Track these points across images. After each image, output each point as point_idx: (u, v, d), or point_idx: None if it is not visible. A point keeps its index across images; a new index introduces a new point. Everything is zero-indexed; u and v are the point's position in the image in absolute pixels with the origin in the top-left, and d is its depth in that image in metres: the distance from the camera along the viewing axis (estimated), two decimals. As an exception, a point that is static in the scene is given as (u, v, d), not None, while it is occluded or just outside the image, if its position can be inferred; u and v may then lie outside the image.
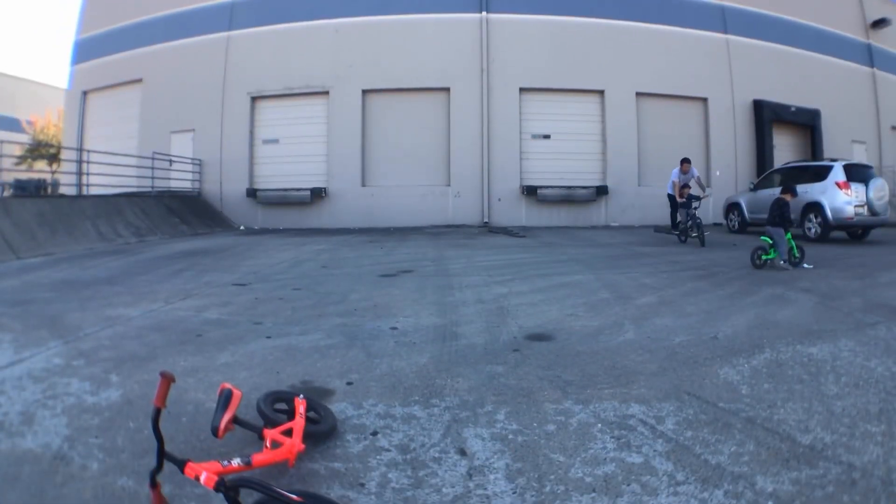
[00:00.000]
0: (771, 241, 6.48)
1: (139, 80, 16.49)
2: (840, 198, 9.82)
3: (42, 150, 26.62)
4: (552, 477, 1.87)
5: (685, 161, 10.74)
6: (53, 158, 25.65)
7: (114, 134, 16.50)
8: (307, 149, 15.16)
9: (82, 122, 17.68)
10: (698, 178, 10.64)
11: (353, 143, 14.96)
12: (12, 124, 28.41)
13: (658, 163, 15.36)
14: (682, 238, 9.96)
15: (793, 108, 16.23)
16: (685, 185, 10.28)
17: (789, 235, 6.56)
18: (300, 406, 2.12)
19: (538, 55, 14.95)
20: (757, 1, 16.27)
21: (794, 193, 7.01)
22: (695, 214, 9.69)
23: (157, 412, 1.61)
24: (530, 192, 14.82)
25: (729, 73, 15.86)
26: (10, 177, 18.68)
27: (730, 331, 3.71)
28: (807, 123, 16.70)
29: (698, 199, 9.91)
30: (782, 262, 6.40)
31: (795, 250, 6.65)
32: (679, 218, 10.35)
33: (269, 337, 3.65)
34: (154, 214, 12.29)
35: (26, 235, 8.52)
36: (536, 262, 7.36)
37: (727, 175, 15.75)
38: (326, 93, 15.17)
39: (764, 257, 6.43)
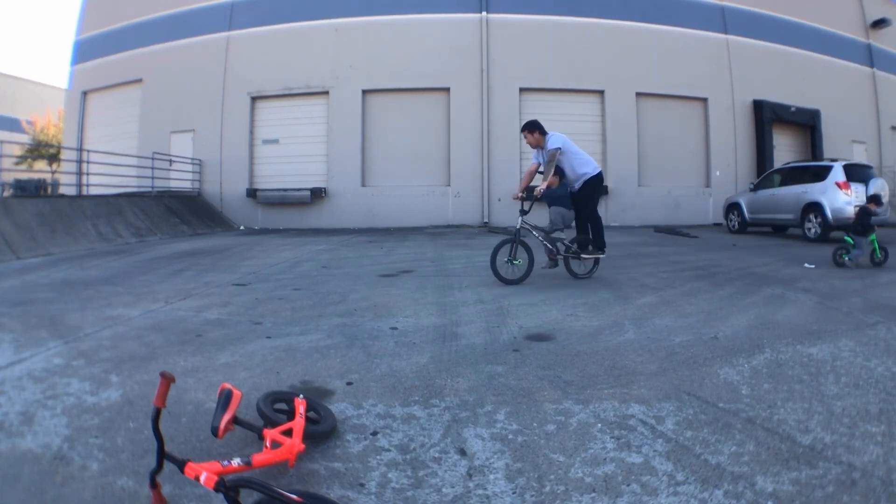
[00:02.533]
0: (852, 242, 6.81)
1: (139, 80, 16.49)
2: (840, 198, 9.83)
3: (42, 150, 26.63)
4: (552, 477, 1.87)
5: (530, 127, 5.95)
6: (53, 158, 25.65)
7: (114, 134, 16.50)
8: (307, 149, 15.17)
9: (82, 122, 17.68)
10: (552, 151, 5.74)
11: (353, 143, 14.97)
12: (12, 124, 28.43)
13: (658, 163, 15.38)
14: (502, 276, 5.56)
15: (793, 108, 16.24)
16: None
17: (873, 237, 6.87)
18: (300, 406, 2.12)
19: (538, 55, 14.95)
20: (757, 1, 16.27)
21: (878, 203, 7.60)
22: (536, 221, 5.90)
23: (157, 412, 1.61)
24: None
25: (729, 73, 15.86)
26: (10, 177, 18.67)
27: (730, 331, 3.71)
28: (807, 123, 16.71)
29: (531, 199, 5.80)
30: (848, 259, 6.74)
31: (878, 252, 6.89)
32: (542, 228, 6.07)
33: (269, 337, 3.65)
34: (154, 214, 12.29)
35: (26, 235, 8.51)
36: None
37: (727, 175, 15.76)
38: (326, 93, 15.17)
39: (844, 256, 6.77)
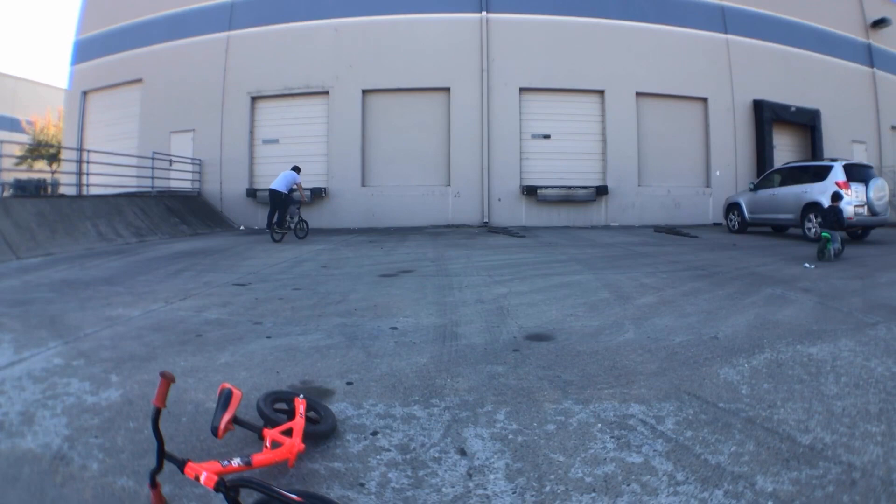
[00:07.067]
0: (829, 237, 7.40)
1: (139, 80, 16.49)
2: (840, 197, 9.82)
3: (42, 150, 26.62)
4: (552, 477, 1.87)
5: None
6: (53, 158, 25.66)
7: (114, 134, 16.50)
8: (307, 149, 15.16)
9: (82, 122, 17.67)
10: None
11: (353, 143, 14.96)
12: (12, 124, 28.43)
13: (658, 163, 15.38)
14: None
15: (793, 108, 16.23)
16: None
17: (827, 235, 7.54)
18: (300, 406, 2.12)
19: (538, 55, 14.95)
20: (757, 1, 16.27)
21: (839, 199, 8.47)
22: None
23: (157, 412, 1.61)
24: (530, 192, 14.81)
25: (729, 73, 15.86)
26: (10, 177, 18.66)
27: (730, 331, 3.71)
28: (807, 123, 16.70)
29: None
30: (832, 253, 7.40)
31: (841, 245, 7.57)
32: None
33: (269, 337, 3.65)
34: (154, 214, 12.29)
35: (26, 235, 8.51)
36: (536, 262, 7.36)
37: (727, 175, 15.76)
38: (326, 93, 15.16)
39: (829, 246, 7.36)
